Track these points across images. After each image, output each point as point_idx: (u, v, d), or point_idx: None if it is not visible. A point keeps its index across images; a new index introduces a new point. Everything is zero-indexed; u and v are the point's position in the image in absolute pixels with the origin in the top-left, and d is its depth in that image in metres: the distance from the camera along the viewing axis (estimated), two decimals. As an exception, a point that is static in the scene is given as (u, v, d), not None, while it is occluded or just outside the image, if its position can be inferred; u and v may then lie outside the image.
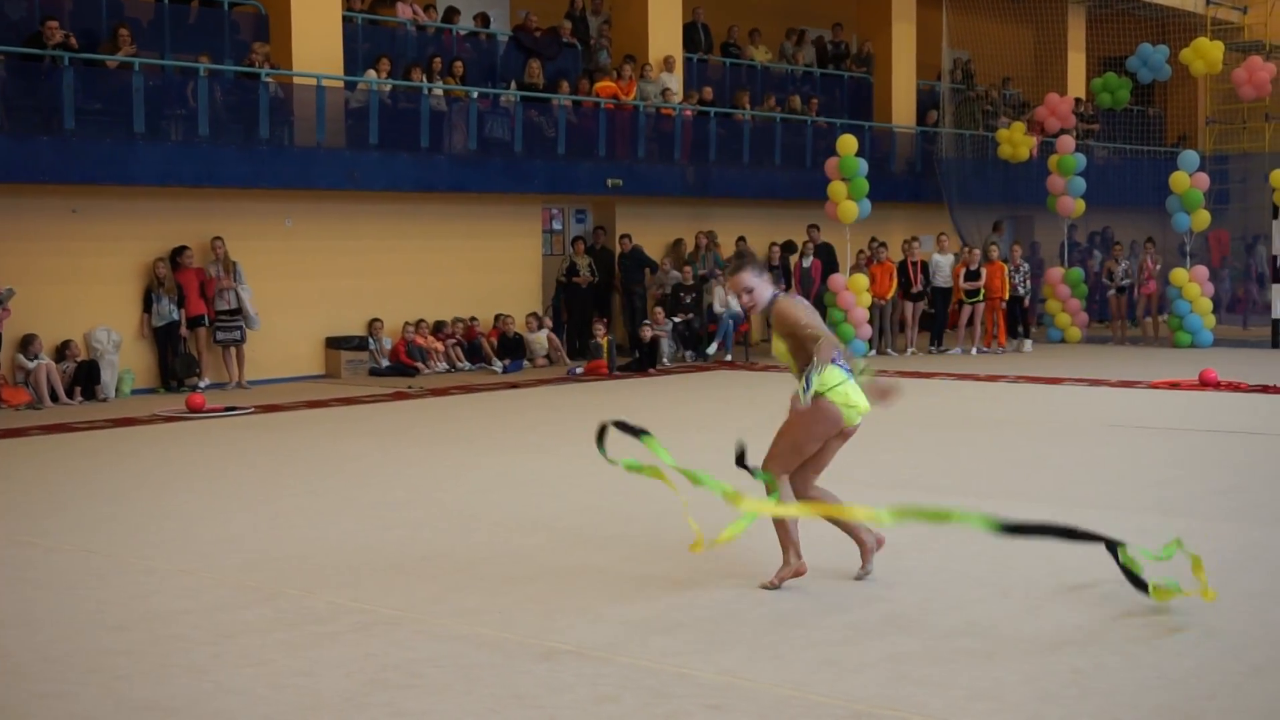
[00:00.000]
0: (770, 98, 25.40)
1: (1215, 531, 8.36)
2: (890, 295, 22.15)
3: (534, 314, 21.00)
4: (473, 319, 20.67)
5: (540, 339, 20.72)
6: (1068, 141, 24.48)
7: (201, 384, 17.58)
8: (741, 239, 23.05)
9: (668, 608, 6.71)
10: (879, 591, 6.97)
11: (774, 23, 28.16)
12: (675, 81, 23.76)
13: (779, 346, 6.99)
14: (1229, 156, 30.02)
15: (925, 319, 23.18)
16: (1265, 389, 16.20)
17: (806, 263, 22.51)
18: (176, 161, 17.36)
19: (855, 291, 21.50)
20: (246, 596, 7.07)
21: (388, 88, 19.54)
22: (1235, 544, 8.04)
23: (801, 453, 6.94)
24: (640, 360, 19.84)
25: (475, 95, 20.48)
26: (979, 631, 6.24)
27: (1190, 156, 23.27)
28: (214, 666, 5.88)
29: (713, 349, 21.21)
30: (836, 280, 21.64)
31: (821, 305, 21.73)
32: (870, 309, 21.79)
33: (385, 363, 19.37)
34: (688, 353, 21.53)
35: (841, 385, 6.86)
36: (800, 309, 6.90)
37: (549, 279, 22.50)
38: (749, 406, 15.41)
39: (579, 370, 19.47)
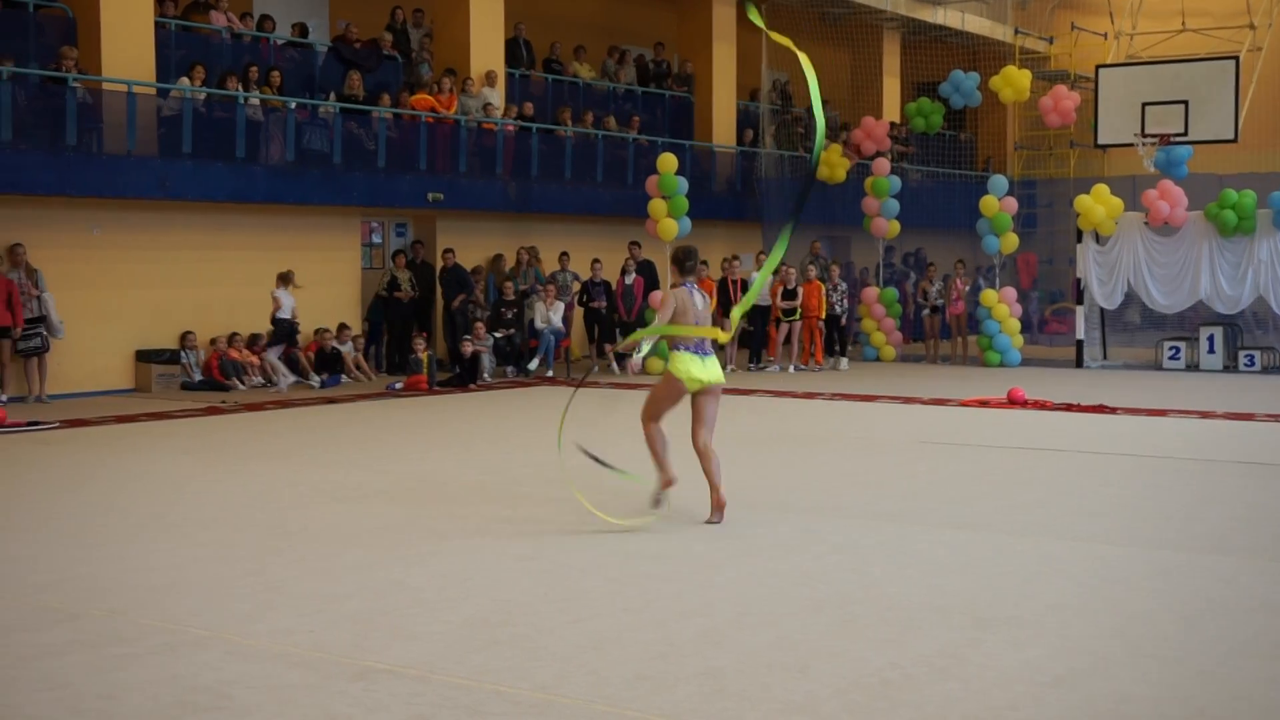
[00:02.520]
0: (591, 115, 25.51)
1: (1017, 546, 8.60)
2: (711, 311, 22.33)
3: (343, 325, 20.64)
4: (290, 333, 20.33)
5: (346, 352, 20.48)
6: (883, 164, 25.04)
7: (2, 398, 16.99)
8: (564, 254, 23.09)
9: (485, 625, 6.67)
10: (694, 607, 7.03)
11: (597, 40, 28.31)
12: (497, 96, 23.71)
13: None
14: (1036, 181, 31.08)
15: (744, 336, 23.46)
16: (1069, 407, 16.72)
17: (629, 279, 22.62)
18: (-23, 167, 16.80)
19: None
20: (45, 618, 6.84)
21: (202, 95, 19.15)
22: (1036, 558, 8.27)
23: (658, 408, 9.50)
24: (461, 375, 19.73)
25: (293, 105, 20.19)
26: (791, 646, 6.33)
27: (999, 181, 23.97)
28: (9, 691, 5.67)
29: (534, 364, 21.19)
30: (656, 297, 21.78)
31: (642, 322, 21.85)
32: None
33: (198, 377, 18.98)
34: (509, 368, 21.48)
35: (683, 362, 9.43)
36: (666, 301, 9.56)
37: (368, 293, 22.25)
38: (569, 421, 15.40)
39: (398, 385, 19.29)
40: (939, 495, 10.53)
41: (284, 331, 19.34)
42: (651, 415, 9.54)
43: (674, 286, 9.70)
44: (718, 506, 9.36)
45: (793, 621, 6.76)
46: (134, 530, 9.14)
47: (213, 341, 19.29)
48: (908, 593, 7.32)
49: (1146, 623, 6.76)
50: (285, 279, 19.32)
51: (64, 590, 7.43)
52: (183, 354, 18.97)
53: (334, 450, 13.08)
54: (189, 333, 19.14)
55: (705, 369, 9.48)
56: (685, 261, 9.84)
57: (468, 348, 19.86)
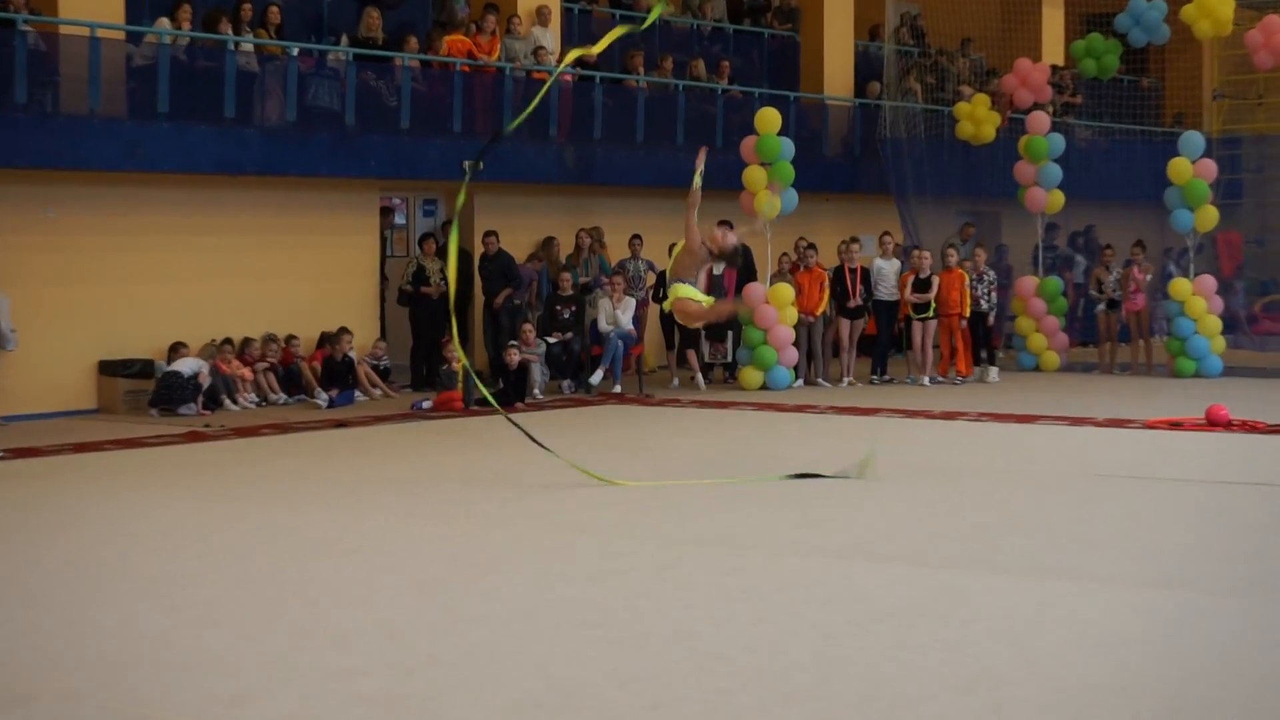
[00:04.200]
0: (670, 60, 25.48)
1: (1223, 609, 8.46)
2: (821, 311, 22.25)
3: (344, 329, 20.62)
4: (291, 338, 20.47)
5: (363, 363, 20.56)
6: (1042, 119, 24.80)
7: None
8: (636, 238, 23.03)
9: (537, 710, 6.63)
10: (805, 688, 6.96)
11: (677, -35, 28.34)
12: (551, 39, 23.75)
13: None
14: (1241, 139, 30.58)
15: (865, 341, 23.33)
16: (1286, 429, 16.53)
17: (717, 270, 22.51)
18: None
19: (778, 306, 21.56)
20: (-14, 700, 6.89)
21: (183, 41, 19.31)
22: (1248, 624, 8.14)
23: None
24: (506, 392, 19.73)
25: (296, 53, 20.30)
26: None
27: (1193, 139, 23.67)
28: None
29: (597, 378, 21.17)
30: (754, 291, 21.70)
31: (735, 323, 21.79)
32: (796, 328, 21.86)
33: (198, 401, 19.10)
34: (565, 382, 21.46)
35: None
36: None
37: (390, 288, 22.32)
38: (645, 453, 15.37)
39: (426, 404, 19.33)
40: (1119, 544, 10.40)
41: (177, 390, 18.86)
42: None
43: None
44: None
45: (932, 709, 6.68)
46: (93, 589, 9.17)
47: (200, 349, 19.41)
48: (1080, 670, 7.21)
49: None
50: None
51: (8, 666, 7.46)
52: (159, 365, 19.06)
53: (345, 488, 13.11)
54: (180, 344, 19.22)
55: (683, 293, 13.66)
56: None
57: (514, 357, 19.87)
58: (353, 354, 20.44)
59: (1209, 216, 23.49)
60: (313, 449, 15.85)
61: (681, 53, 26.39)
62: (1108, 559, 9.87)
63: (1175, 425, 17.05)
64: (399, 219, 23.32)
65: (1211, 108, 32.08)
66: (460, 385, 19.51)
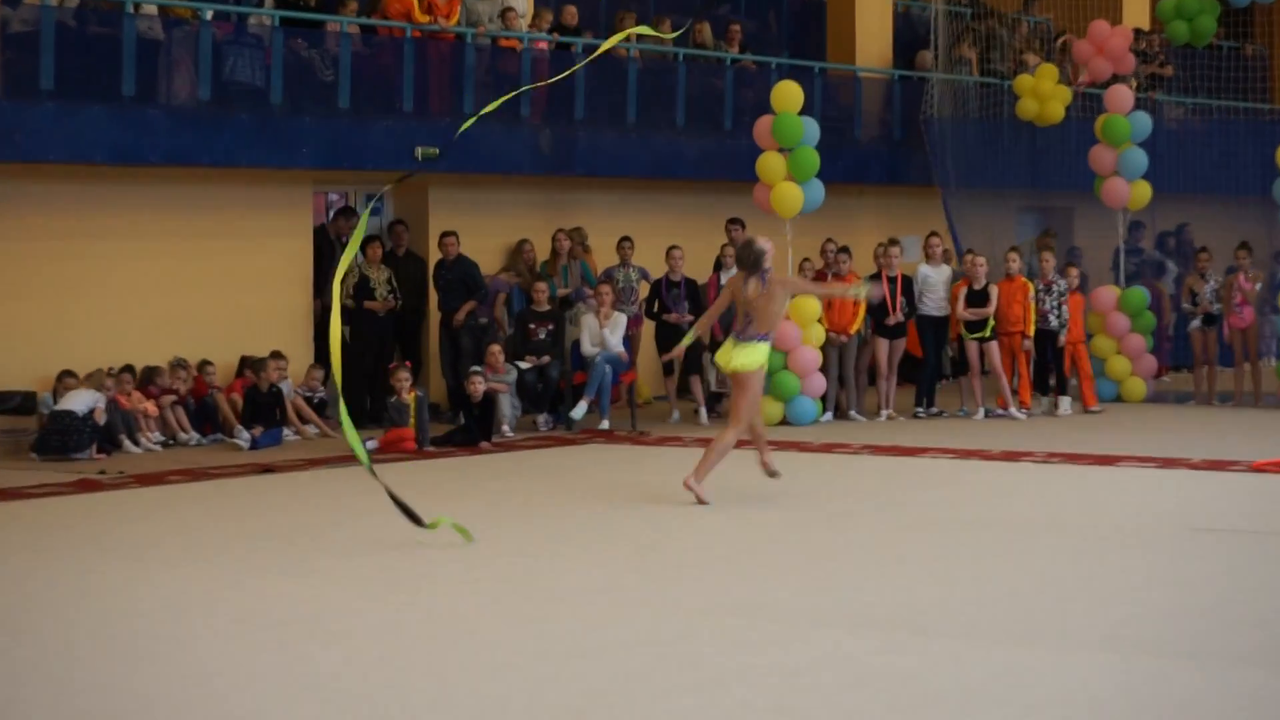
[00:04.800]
0: (669, 23, 25.46)
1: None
2: (856, 328, 22.22)
3: (273, 354, 20.60)
4: (205, 365, 20.44)
5: (293, 394, 20.55)
6: (1123, 95, 24.83)
7: None
8: (625, 241, 22.98)
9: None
10: None
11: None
12: (523, -1, 23.83)
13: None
14: (1367, 117, 30.68)
15: (908, 365, 23.32)
16: None
17: (727, 278, 22.51)
18: None
19: (802, 323, 21.54)
20: None
21: (72, 3, 19.31)
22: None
23: (734, 406, 14.94)
24: (469, 428, 19.71)
25: (209, 16, 20.33)
26: None
27: (1308, 118, 23.76)
28: None
29: (579, 411, 21.11)
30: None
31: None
32: (824, 350, 21.84)
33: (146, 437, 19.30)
34: (542, 417, 21.42)
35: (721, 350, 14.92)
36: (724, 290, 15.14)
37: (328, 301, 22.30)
38: (642, 507, 15.36)
39: (371, 445, 19.28)
40: (1221, 612, 10.37)
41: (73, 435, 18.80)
42: (734, 417, 14.85)
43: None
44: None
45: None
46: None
47: (89, 377, 19.39)
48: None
49: None
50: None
51: None
52: (44, 400, 19.03)
53: (271, 545, 13.07)
54: (69, 373, 19.14)
55: (727, 353, 14.80)
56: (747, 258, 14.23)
57: (478, 386, 19.81)
58: (283, 384, 20.41)
59: (1327, 212, 23.56)
60: (232, 499, 15.81)
61: (683, 14, 26.37)
62: (1205, 631, 9.84)
63: (1288, 467, 17.08)
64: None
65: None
66: (413, 421, 19.47)
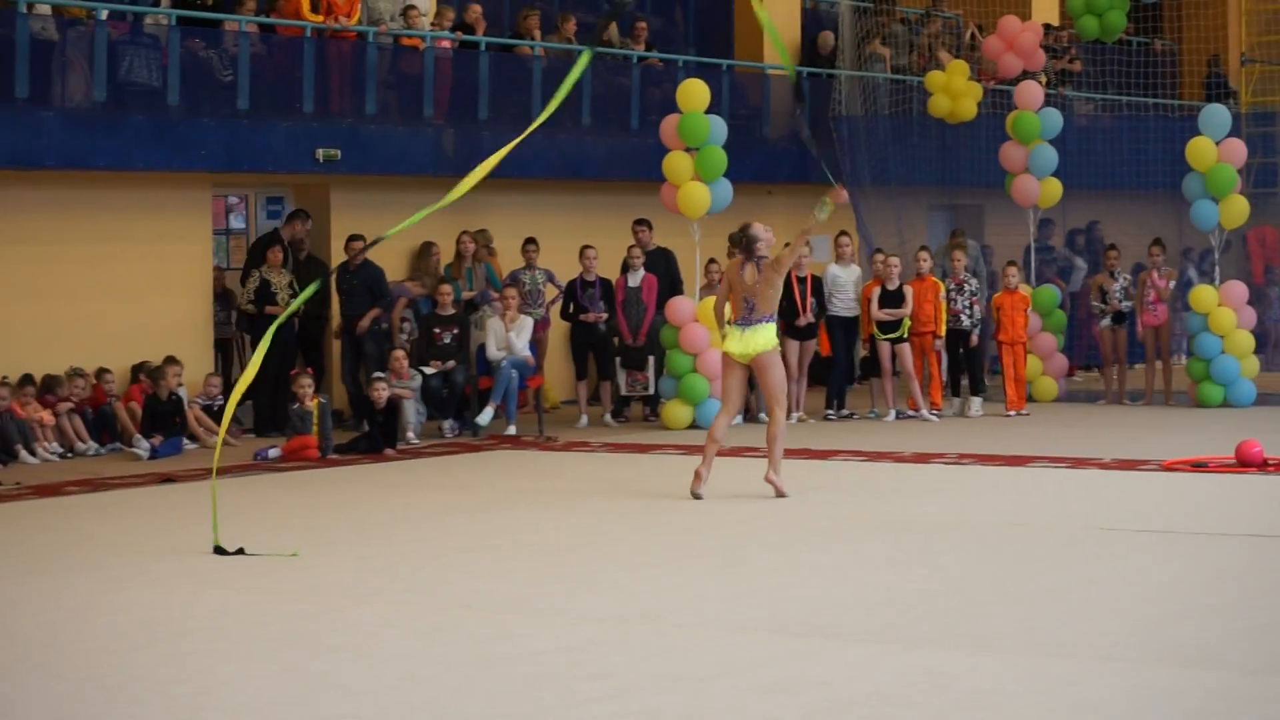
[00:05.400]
0: (574, 21, 25.45)
1: (1265, 693, 8.45)
2: (764, 329, 22.20)
3: (170, 360, 20.42)
4: (102, 372, 20.28)
5: (193, 403, 20.42)
6: (1033, 91, 24.91)
7: None
8: (531, 242, 22.91)
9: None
10: None
11: (579, -94, 28.35)
12: (425, -3, 23.74)
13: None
14: (1276, 114, 30.86)
15: (819, 366, 23.33)
16: (1336, 470, 16.63)
17: (634, 280, 22.49)
18: None
19: (709, 324, 21.47)
20: None
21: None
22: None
23: (723, 393, 15.64)
24: (372, 435, 19.61)
25: (105, 16, 20.18)
26: None
27: (1217, 114, 23.83)
28: None
29: (486, 417, 21.06)
30: (680, 306, 21.64)
31: (655, 345, 21.75)
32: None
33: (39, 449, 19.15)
34: (447, 423, 21.34)
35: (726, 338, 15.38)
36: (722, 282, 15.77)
37: (227, 306, 22.16)
38: (549, 514, 15.32)
39: (273, 454, 19.18)
40: (1130, 613, 10.42)
41: None
42: (723, 404, 15.49)
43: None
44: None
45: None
46: None
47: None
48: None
49: None
50: None
51: None
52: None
53: (174, 561, 12.98)
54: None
55: (741, 341, 15.11)
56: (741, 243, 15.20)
57: (380, 392, 19.68)
58: (182, 392, 20.26)
59: (1237, 209, 23.63)
60: (132, 510, 15.71)
61: (588, 11, 26.37)
62: (1117, 631, 9.86)
63: (1198, 467, 17.12)
64: (237, 222, 23.14)
65: (1240, 75, 32.35)
66: (316, 429, 19.36)
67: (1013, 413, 22.79)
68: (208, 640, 10.06)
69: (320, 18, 22.11)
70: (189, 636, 10.18)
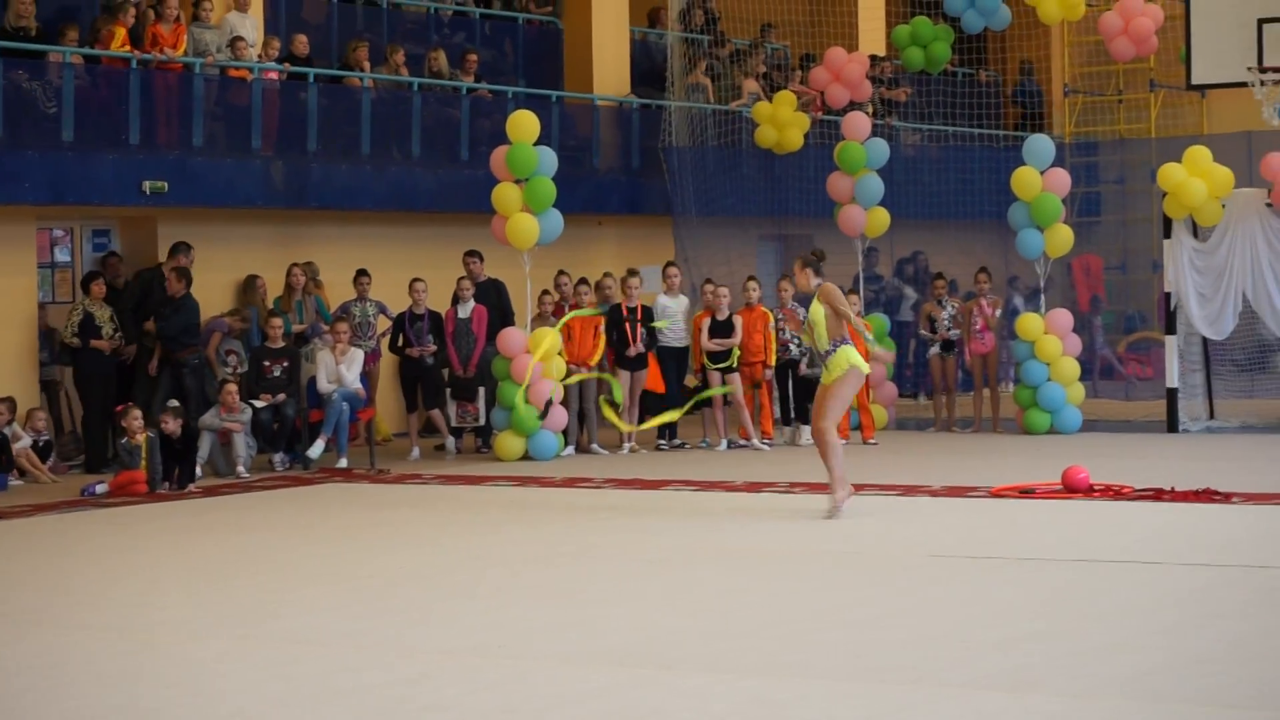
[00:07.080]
0: (403, 53, 25.43)
1: (1090, 715, 8.61)
2: (596, 360, 22.26)
3: (8, 399, 20.30)
4: (-78, 408, 20.06)
5: (18, 442, 20.22)
6: (859, 121, 25.13)
7: None
8: (362, 274, 22.85)
9: None
10: None
11: (408, -64, 28.35)
12: (252, 26, 23.59)
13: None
14: (1099, 144, 31.28)
15: (649, 398, 23.38)
16: (1158, 495, 16.77)
17: (464, 311, 22.50)
18: None
19: (541, 355, 21.51)
20: None
21: None
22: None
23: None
24: (167, 466, 19.36)
25: (-78, 46, 20.01)
26: None
27: (1041, 144, 24.14)
28: None
29: (316, 450, 21.00)
30: (511, 338, 21.67)
31: (486, 375, 21.77)
32: (565, 382, 21.81)
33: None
34: (278, 456, 21.25)
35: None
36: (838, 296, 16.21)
37: (52, 341, 21.97)
38: (382, 547, 15.34)
39: (100, 489, 19.03)
40: (959, 638, 10.52)
41: None
42: (836, 419, 16.46)
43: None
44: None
45: None
46: None
47: None
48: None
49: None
50: None
51: None
52: None
53: (4, 599, 12.90)
54: None
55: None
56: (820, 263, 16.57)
57: (170, 423, 19.34)
58: (8, 429, 20.07)
59: (1062, 238, 23.92)
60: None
61: (417, 43, 26.35)
62: (946, 657, 9.95)
63: (1026, 493, 17.32)
64: (62, 255, 22.93)
65: (1063, 106, 32.77)
66: (144, 463, 19.22)
67: (743, 441, 22.90)
68: (38, 679, 10.01)
69: (136, 51, 21.96)
70: (21, 674, 10.11)
